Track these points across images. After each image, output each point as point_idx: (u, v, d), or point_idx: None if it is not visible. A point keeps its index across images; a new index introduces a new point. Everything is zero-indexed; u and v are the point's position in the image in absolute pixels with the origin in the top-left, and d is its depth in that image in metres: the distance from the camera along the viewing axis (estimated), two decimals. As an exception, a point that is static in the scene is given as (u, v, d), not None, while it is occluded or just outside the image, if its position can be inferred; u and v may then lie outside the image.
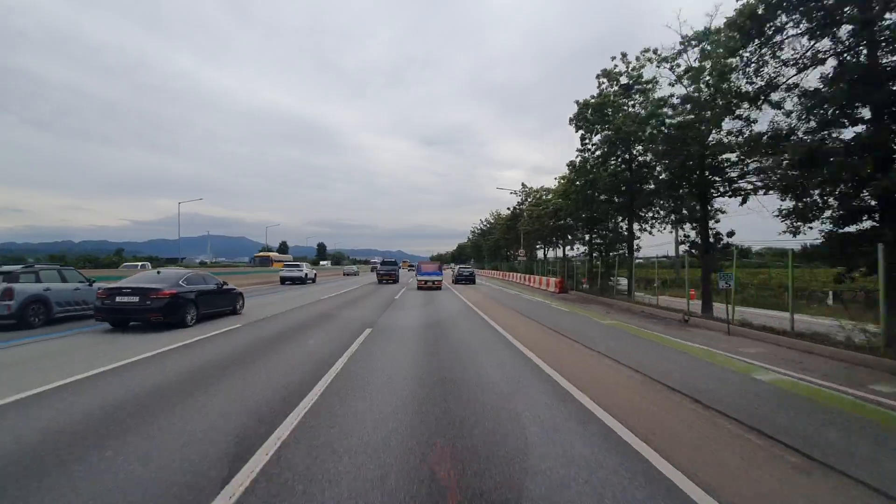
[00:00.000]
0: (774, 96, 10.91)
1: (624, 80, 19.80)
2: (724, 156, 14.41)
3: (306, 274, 32.85)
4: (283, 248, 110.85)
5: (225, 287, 12.36)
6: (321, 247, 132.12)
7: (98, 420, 4.17)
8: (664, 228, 21.25)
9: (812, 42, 9.47)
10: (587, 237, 27.52)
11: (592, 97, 20.91)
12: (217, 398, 4.86)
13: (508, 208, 51.42)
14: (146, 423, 4.06)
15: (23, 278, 10.13)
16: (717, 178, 14.96)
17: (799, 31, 9.60)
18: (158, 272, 11.03)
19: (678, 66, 16.36)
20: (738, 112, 12.72)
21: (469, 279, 33.93)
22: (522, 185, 47.05)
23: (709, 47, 14.14)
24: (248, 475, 3.04)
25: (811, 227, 9.54)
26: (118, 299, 9.33)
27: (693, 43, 14.97)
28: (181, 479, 3.01)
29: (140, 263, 36.94)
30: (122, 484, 2.94)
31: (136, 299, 9.27)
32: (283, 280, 32.00)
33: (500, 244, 63.73)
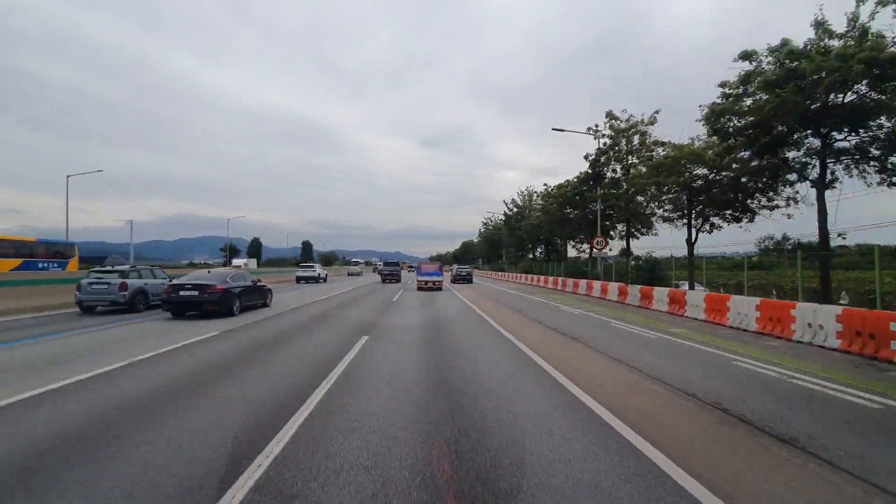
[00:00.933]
0: None
1: None
2: None
3: (319, 274, 37.74)
4: (254, 245, 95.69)
5: (258, 284, 14.97)
6: (306, 246, 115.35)
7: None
8: None
9: None
10: None
11: None
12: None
13: (587, 157, 30.79)
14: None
15: (131, 275, 13.47)
16: None
17: None
18: (209, 271, 13.71)
19: None
20: None
21: (466, 279, 37.39)
22: (608, 115, 29.54)
23: None
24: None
25: None
26: (181, 293, 11.98)
27: None
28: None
29: None
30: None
31: (195, 293, 11.91)
32: (299, 279, 36.31)
33: (542, 232, 44.34)
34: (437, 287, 26.61)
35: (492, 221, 76.71)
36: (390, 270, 37.10)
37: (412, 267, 48.27)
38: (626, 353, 7.88)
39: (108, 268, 13.89)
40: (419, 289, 26.29)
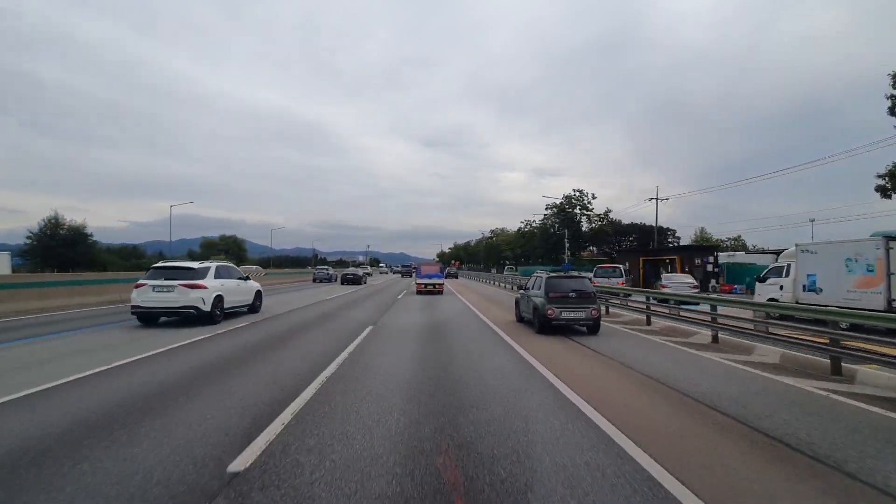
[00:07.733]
0: None
1: None
2: None
3: (368, 272, 59.67)
4: (236, 245, 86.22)
5: (366, 273, 38.22)
6: (282, 257, 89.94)
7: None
8: None
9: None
10: None
11: None
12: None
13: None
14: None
15: (329, 270, 37.74)
16: None
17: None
18: (357, 266, 37.25)
19: None
20: None
21: (453, 276, 54.92)
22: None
23: None
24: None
25: None
26: (347, 276, 35.26)
27: None
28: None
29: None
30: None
31: (352, 276, 35.06)
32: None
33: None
34: (437, 290, 24.80)
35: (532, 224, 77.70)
36: (406, 270, 61.55)
37: (416, 268, 48.30)
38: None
39: (324, 267, 37.93)
40: (418, 292, 24.55)
